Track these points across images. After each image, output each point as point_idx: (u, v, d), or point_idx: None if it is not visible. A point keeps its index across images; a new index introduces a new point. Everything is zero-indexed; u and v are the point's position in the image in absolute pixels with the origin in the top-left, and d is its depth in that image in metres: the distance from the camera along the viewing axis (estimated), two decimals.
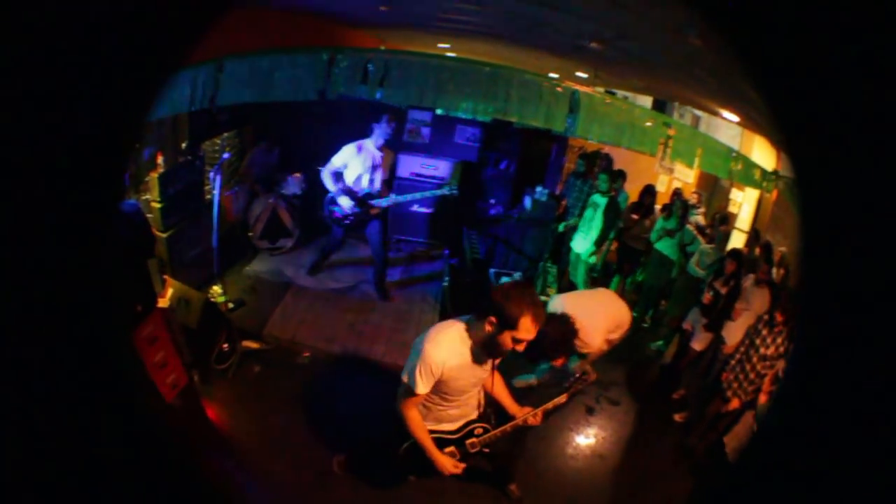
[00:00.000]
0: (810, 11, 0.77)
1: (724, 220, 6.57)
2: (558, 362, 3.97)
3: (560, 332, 3.64)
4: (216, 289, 5.01)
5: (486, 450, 2.96)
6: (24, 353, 0.82)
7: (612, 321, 4.04)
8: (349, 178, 4.94)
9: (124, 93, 0.87)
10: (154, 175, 4.47)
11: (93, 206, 0.87)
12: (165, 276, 4.34)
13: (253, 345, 4.56)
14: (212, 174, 4.81)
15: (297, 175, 5.97)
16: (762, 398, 3.75)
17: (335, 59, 3.17)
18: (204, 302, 4.05)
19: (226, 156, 4.94)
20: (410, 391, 2.54)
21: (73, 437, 0.87)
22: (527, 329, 2.38)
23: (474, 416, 2.89)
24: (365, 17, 6.26)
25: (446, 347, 2.50)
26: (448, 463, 2.73)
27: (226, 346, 4.31)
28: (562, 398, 2.98)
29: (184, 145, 5.32)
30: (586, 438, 4.33)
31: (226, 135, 6.07)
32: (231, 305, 4.94)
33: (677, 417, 4.73)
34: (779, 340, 3.97)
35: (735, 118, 7.28)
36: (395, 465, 3.00)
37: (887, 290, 0.76)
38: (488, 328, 2.42)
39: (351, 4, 5.49)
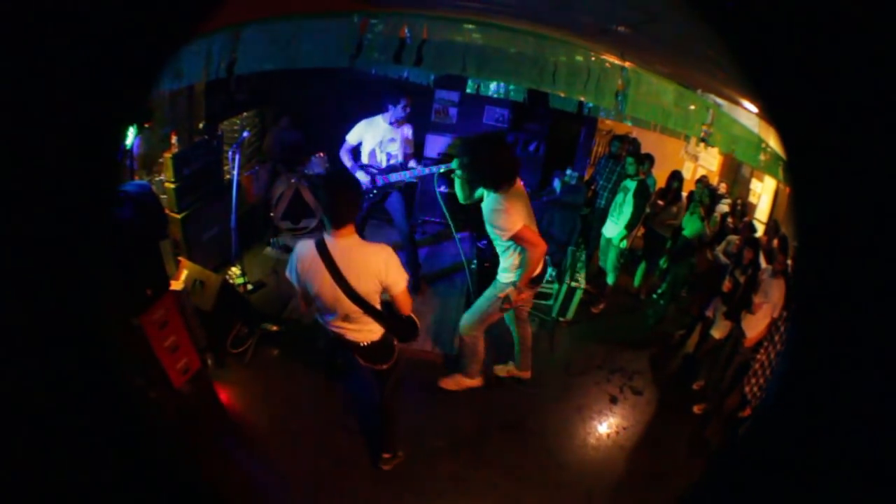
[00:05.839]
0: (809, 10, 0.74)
1: (744, 211, 6.45)
2: None
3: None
4: (235, 270, 4.91)
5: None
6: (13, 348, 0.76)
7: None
8: (364, 154, 4.75)
9: (124, 67, 0.78)
10: (168, 155, 4.38)
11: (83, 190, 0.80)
12: (180, 258, 4.24)
13: (272, 327, 4.46)
14: (230, 154, 4.70)
15: (321, 155, 5.86)
16: None
17: (368, 23, 2.96)
18: (220, 284, 3.96)
19: (245, 134, 4.79)
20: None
21: (63, 435, 0.82)
22: None
23: None
24: None
25: None
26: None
27: (244, 329, 4.23)
28: None
29: (201, 125, 5.22)
30: (609, 428, 4.25)
31: (245, 114, 5.97)
32: (250, 287, 4.86)
33: (696, 409, 4.65)
34: None
35: (754, 109, 7.14)
36: None
37: (884, 286, 0.73)
38: None
39: None
